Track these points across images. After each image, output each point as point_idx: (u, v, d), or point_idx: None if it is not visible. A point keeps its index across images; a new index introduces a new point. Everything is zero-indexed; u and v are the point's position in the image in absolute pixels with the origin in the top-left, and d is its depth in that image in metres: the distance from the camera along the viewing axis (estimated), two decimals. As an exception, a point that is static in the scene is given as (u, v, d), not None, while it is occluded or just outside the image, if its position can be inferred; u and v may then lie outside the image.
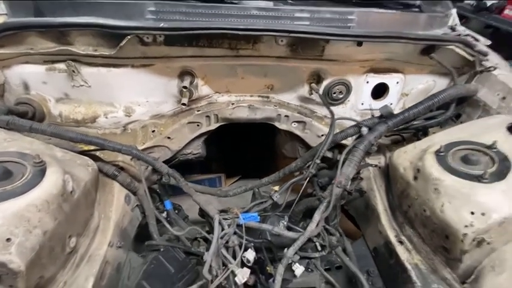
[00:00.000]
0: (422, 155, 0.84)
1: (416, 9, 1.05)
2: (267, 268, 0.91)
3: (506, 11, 2.69)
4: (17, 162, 0.68)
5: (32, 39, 0.91)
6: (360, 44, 0.92)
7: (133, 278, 0.93)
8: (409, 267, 0.85)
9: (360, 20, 0.94)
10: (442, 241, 0.77)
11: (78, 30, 0.86)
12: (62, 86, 1.02)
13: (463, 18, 3.16)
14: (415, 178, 0.85)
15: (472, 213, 0.68)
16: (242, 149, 1.39)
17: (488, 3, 2.87)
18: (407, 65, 1.12)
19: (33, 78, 1.00)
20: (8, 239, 0.56)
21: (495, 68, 0.98)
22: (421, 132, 1.03)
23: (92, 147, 0.94)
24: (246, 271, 0.75)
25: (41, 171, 0.68)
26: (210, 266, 0.78)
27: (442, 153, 0.80)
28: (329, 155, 1.18)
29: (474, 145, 0.79)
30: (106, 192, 0.96)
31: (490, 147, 0.77)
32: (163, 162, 1.12)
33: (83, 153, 0.94)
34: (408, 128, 1.01)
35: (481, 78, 1.04)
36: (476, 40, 1.08)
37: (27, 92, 1.02)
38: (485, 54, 1.02)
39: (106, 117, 1.06)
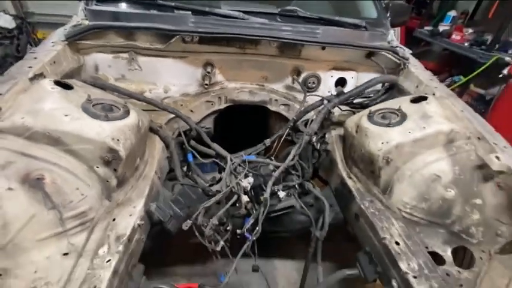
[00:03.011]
0: (360, 117, 1.33)
1: (363, 29, 1.58)
2: (262, 194, 1.34)
3: (453, 36, 3.35)
4: (113, 105, 1.12)
5: (109, 36, 1.38)
6: (323, 48, 1.43)
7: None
8: (353, 189, 1.28)
9: (324, 34, 1.45)
10: (369, 167, 1.23)
11: (145, 31, 1.33)
12: (121, 69, 1.48)
13: (422, 42, 3.84)
14: (356, 132, 1.32)
15: (382, 143, 1.16)
16: (241, 132, 1.82)
17: (441, 29, 3.54)
18: (359, 65, 1.63)
19: (102, 62, 1.46)
20: (118, 140, 1.00)
21: (405, 64, 1.50)
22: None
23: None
24: (250, 180, 1.19)
25: (126, 111, 1.12)
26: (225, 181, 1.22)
27: (371, 115, 1.29)
28: (301, 128, 1.65)
29: (389, 109, 1.28)
30: (151, 140, 1.39)
31: (397, 109, 1.26)
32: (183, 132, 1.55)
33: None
34: (356, 105, 1.51)
35: (405, 74, 1.56)
36: (402, 49, 1.61)
37: (97, 72, 1.47)
38: (406, 59, 1.54)
39: (150, 93, 1.52)
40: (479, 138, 1.12)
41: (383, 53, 1.51)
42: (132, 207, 1.06)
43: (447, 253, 1.03)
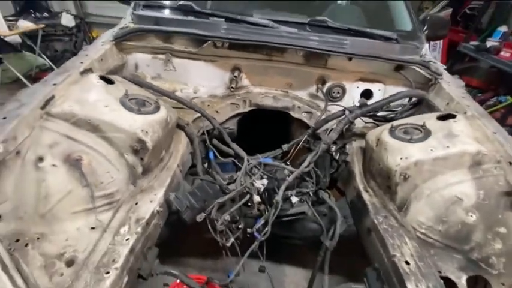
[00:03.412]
0: (382, 130, 1.31)
1: (394, 41, 1.55)
2: (274, 196, 1.38)
3: (502, 53, 3.10)
4: (146, 100, 1.24)
5: (149, 38, 1.52)
6: (350, 59, 1.44)
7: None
8: (368, 203, 1.26)
9: (351, 44, 1.46)
10: (386, 181, 1.21)
11: (181, 35, 1.45)
12: (157, 69, 1.62)
13: (467, 57, 3.59)
14: (376, 145, 1.30)
15: (401, 158, 1.13)
16: (264, 136, 1.88)
17: (489, 45, 3.30)
18: (387, 78, 1.60)
19: (141, 62, 1.61)
20: (146, 132, 1.10)
21: (437, 80, 1.44)
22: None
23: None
24: (264, 181, 1.23)
25: (157, 107, 1.23)
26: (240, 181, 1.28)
27: (393, 129, 1.26)
28: (322, 136, 1.65)
29: (413, 125, 1.25)
30: (177, 135, 1.50)
31: (422, 126, 1.22)
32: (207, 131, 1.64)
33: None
34: (380, 118, 1.48)
35: (436, 90, 1.50)
36: (435, 64, 1.55)
37: (136, 70, 1.63)
38: (439, 74, 1.48)
39: (181, 92, 1.64)
40: (510, 163, 1.05)
41: (413, 67, 1.47)
42: (154, 194, 1.16)
43: (461, 280, 0.97)
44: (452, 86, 1.48)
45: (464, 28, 4.21)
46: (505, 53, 3.05)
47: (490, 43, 3.30)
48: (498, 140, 1.13)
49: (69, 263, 0.88)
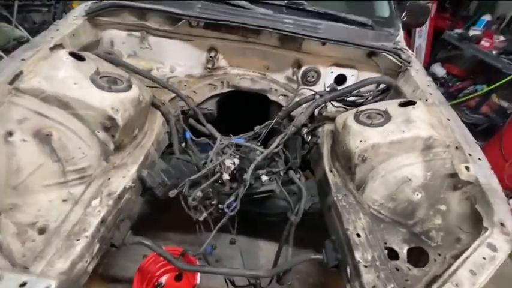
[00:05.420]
0: (348, 115, 1.38)
1: (369, 27, 1.58)
2: (244, 175, 1.45)
3: (482, 42, 3.16)
4: (118, 78, 1.25)
5: (124, 15, 1.50)
6: (323, 43, 1.47)
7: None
8: (331, 182, 1.35)
9: (325, 29, 1.48)
10: (348, 163, 1.29)
11: (155, 12, 1.43)
12: (133, 46, 1.60)
13: (450, 45, 3.65)
14: (342, 128, 1.37)
15: (360, 141, 1.21)
16: (244, 118, 1.92)
17: (471, 33, 3.35)
18: (360, 63, 1.65)
19: (117, 39, 1.59)
20: (117, 110, 1.13)
21: (406, 67, 1.50)
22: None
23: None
24: (234, 160, 1.30)
25: (129, 86, 1.25)
26: (211, 159, 1.34)
27: (357, 114, 1.33)
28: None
29: (376, 110, 1.32)
30: (152, 114, 1.52)
31: (383, 111, 1.29)
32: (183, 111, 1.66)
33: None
34: (350, 103, 1.54)
35: (405, 77, 1.56)
36: (406, 52, 1.60)
37: (112, 47, 1.61)
38: (408, 62, 1.54)
39: (157, 71, 1.64)
40: (457, 147, 1.14)
41: (384, 54, 1.51)
42: (126, 170, 1.21)
43: (403, 251, 1.09)
44: (420, 74, 1.54)
45: (452, 15, 4.22)
46: (484, 43, 3.11)
47: (472, 32, 3.35)
48: (451, 126, 1.22)
49: (41, 231, 0.94)
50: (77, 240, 0.93)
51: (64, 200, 1.04)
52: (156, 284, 1.75)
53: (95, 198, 1.07)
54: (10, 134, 0.97)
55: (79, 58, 1.20)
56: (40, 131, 1.02)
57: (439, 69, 3.69)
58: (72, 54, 1.19)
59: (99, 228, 1.00)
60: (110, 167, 1.19)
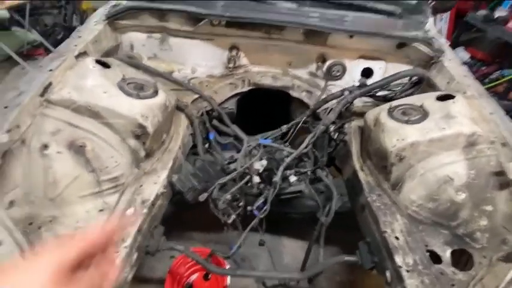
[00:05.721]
0: (380, 111, 1.32)
1: (398, 16, 1.49)
2: (273, 177, 1.42)
3: (510, 24, 2.97)
4: (144, 84, 1.23)
5: (143, 17, 1.46)
6: (350, 36, 1.40)
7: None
8: (363, 181, 1.31)
9: (352, 21, 1.41)
10: (382, 162, 1.24)
11: (176, 13, 1.39)
12: (153, 49, 1.58)
13: (474, 28, 3.45)
14: (374, 125, 1.32)
15: (397, 139, 1.15)
16: (264, 116, 1.88)
17: (497, 15, 3.15)
18: (388, 55, 1.57)
19: (137, 42, 1.56)
20: (146, 117, 1.12)
21: (439, 58, 1.41)
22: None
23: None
24: (263, 163, 1.27)
25: (155, 91, 1.23)
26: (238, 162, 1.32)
27: (391, 110, 1.27)
28: (321, 116, 1.65)
29: (411, 105, 1.25)
30: (177, 117, 1.51)
31: (420, 106, 1.23)
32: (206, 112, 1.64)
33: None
34: (379, 98, 1.48)
35: (437, 68, 1.48)
36: (439, 41, 1.51)
37: (132, 50, 1.59)
38: (441, 52, 1.45)
39: (178, 72, 1.61)
40: (503, 144, 1.07)
41: (415, 44, 1.43)
42: (157, 176, 1.21)
43: (446, 254, 1.05)
44: (454, 64, 1.45)
45: (475, -5, 3.97)
46: (513, 24, 2.92)
47: (498, 13, 3.15)
48: (494, 120, 1.14)
49: (82, 243, 0.95)
50: (117, 252, 0.93)
51: (100, 210, 1.04)
52: (185, 284, 1.77)
53: (130, 206, 1.07)
54: (45, 146, 0.97)
55: (105, 65, 1.19)
56: (74, 142, 1.01)
57: (463, 54, 3.50)
58: (98, 61, 1.17)
59: (136, 237, 1.00)
60: (141, 174, 1.18)
